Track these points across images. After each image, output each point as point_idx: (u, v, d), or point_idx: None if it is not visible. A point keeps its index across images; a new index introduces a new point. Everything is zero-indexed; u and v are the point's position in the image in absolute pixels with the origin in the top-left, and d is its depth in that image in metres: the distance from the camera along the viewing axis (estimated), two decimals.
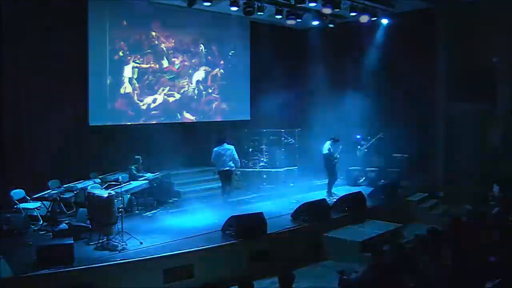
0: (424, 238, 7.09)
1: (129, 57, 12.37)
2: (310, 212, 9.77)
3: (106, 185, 9.65)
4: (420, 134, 13.69)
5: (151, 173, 11.20)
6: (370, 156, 13.84)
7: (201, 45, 13.99)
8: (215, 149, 11.06)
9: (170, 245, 8.14)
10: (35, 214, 9.29)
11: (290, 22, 12.99)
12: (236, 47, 14.73)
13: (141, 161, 11.11)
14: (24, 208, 9.26)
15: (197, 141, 14.06)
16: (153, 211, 10.56)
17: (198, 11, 12.81)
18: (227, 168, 10.92)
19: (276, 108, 14.58)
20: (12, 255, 7.36)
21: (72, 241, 7.32)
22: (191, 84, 13.87)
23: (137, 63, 12.53)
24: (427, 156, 13.72)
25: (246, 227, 8.60)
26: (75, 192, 9.99)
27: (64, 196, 9.85)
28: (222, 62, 14.55)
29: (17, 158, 10.30)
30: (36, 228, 8.97)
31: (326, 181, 12.37)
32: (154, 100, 12.98)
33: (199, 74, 14.04)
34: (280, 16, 12.69)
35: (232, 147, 11.08)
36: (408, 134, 13.51)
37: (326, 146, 12.03)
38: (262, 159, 13.97)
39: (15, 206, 9.24)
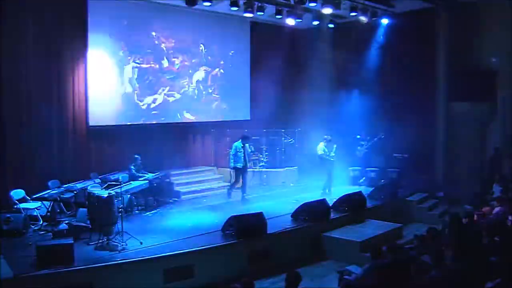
0: (424, 238, 7.10)
1: (129, 57, 12.37)
2: (310, 212, 9.77)
3: (106, 185, 9.64)
4: (420, 134, 13.69)
5: (151, 173, 11.21)
6: (370, 156, 13.85)
7: (201, 45, 13.99)
8: (237, 144, 11.59)
9: (170, 245, 8.14)
10: (35, 214, 9.29)
11: (290, 21, 13.02)
12: (236, 47, 14.74)
13: (139, 160, 11.10)
14: (24, 208, 9.25)
15: (197, 141, 14.07)
16: (153, 211, 10.56)
17: (198, 11, 12.82)
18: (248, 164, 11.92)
19: (276, 108, 14.59)
20: (12, 255, 7.37)
21: (72, 241, 7.32)
22: (191, 84, 13.87)
23: (137, 63, 12.52)
24: (427, 156, 13.73)
25: (246, 227, 8.60)
26: (75, 192, 9.98)
27: (64, 196, 9.85)
28: (222, 62, 14.55)
29: (17, 158, 10.30)
30: (36, 228, 8.96)
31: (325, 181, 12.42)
32: (154, 100, 12.98)
33: (199, 74, 14.03)
34: (280, 16, 12.70)
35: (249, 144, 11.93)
36: (408, 134, 13.52)
37: (320, 146, 12.11)
38: (262, 159, 13.97)
39: (15, 206, 9.23)
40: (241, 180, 11.76)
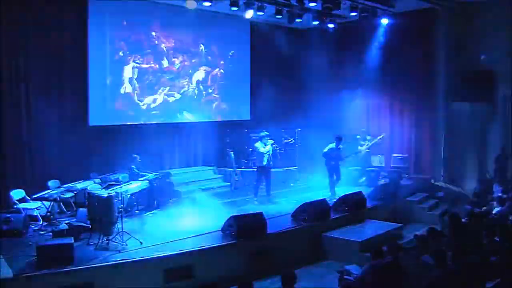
0: (424, 238, 7.10)
1: (129, 57, 12.36)
2: (310, 212, 9.77)
3: (106, 185, 9.64)
4: (420, 134, 13.70)
5: (151, 173, 11.19)
6: (370, 156, 13.83)
7: (201, 45, 13.98)
8: (259, 144, 11.52)
9: (170, 245, 8.14)
10: (35, 214, 9.29)
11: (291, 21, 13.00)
12: (236, 47, 14.73)
13: (139, 160, 11.08)
14: (24, 208, 9.25)
15: (197, 141, 14.07)
16: (153, 211, 10.56)
17: (198, 11, 12.80)
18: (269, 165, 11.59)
19: (276, 108, 14.59)
20: (12, 255, 7.37)
21: (72, 241, 7.32)
22: (191, 84, 13.87)
23: (137, 63, 12.52)
24: (427, 156, 13.73)
25: (246, 227, 8.60)
26: (75, 192, 9.98)
27: (64, 196, 9.85)
28: (222, 62, 14.54)
29: (17, 158, 10.29)
30: (36, 228, 8.97)
31: (327, 180, 12.39)
32: (154, 100, 12.98)
33: (199, 74, 14.03)
34: (280, 16, 12.69)
35: (272, 141, 11.74)
36: (408, 134, 13.53)
37: (330, 145, 11.96)
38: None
39: (15, 206, 9.23)
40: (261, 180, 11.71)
